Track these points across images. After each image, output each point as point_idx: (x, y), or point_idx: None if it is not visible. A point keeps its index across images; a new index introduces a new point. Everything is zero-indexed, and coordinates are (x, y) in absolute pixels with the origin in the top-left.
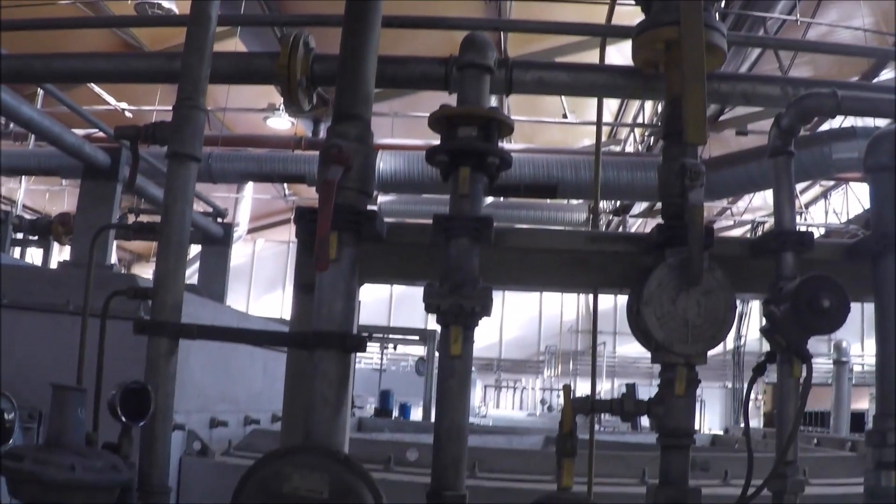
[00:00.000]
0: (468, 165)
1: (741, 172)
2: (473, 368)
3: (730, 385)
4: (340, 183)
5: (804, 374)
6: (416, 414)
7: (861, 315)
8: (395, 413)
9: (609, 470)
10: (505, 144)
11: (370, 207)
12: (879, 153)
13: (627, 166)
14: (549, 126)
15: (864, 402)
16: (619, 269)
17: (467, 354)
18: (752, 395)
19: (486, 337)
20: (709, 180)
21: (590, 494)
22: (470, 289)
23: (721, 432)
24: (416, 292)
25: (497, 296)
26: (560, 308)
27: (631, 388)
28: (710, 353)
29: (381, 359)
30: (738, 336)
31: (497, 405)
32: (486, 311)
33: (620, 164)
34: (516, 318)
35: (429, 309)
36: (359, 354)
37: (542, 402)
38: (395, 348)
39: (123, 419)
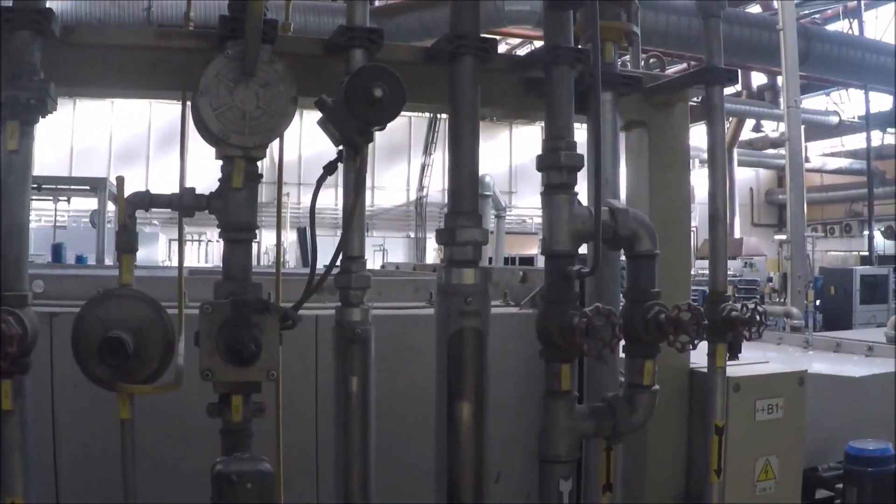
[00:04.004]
0: None
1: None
2: (156, 223)
3: (412, 234)
4: None
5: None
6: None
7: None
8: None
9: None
10: None
11: None
12: None
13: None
14: None
15: (533, 249)
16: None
17: (25, 149)
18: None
19: (170, 187)
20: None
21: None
22: (26, 81)
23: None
24: (99, 146)
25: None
26: None
27: (302, 232)
28: (394, 203)
29: (55, 212)
30: (421, 187)
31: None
32: (43, 105)
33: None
34: (199, 168)
35: None
36: (36, 211)
37: None
38: (69, 202)
39: None
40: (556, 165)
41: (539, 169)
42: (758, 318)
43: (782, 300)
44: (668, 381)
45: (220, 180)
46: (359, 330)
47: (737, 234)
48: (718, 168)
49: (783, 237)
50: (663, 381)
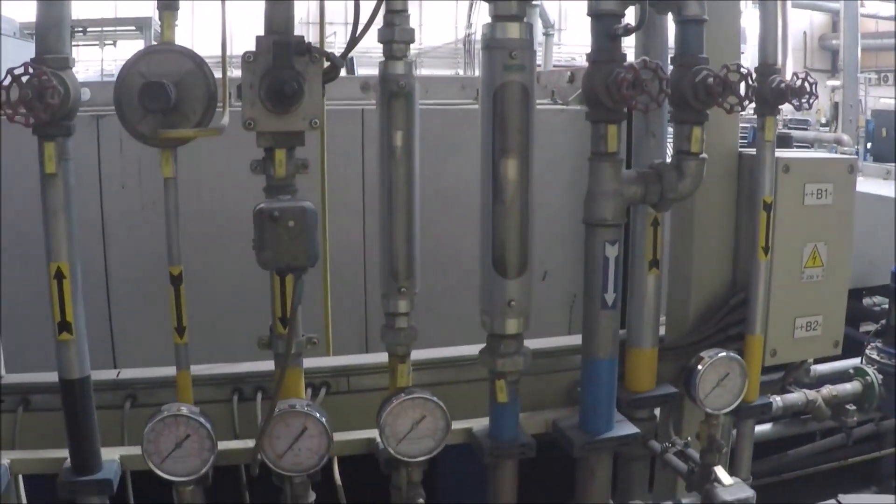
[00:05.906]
0: None
1: None
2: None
3: (461, 73)
4: None
5: None
6: None
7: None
8: None
9: None
10: None
11: None
12: None
13: None
14: None
15: None
16: None
17: None
18: None
19: (214, 28)
20: None
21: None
22: None
23: None
24: None
25: None
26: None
27: (350, 60)
28: (442, 41)
29: (102, 62)
30: (469, 24)
31: None
32: None
33: None
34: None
35: None
36: (83, 62)
37: None
38: (115, 45)
39: None
40: None
41: None
42: (808, 87)
43: (833, 129)
44: (717, 161)
45: None
46: (402, 83)
47: (788, 78)
48: None
49: (836, 83)
50: (711, 162)
